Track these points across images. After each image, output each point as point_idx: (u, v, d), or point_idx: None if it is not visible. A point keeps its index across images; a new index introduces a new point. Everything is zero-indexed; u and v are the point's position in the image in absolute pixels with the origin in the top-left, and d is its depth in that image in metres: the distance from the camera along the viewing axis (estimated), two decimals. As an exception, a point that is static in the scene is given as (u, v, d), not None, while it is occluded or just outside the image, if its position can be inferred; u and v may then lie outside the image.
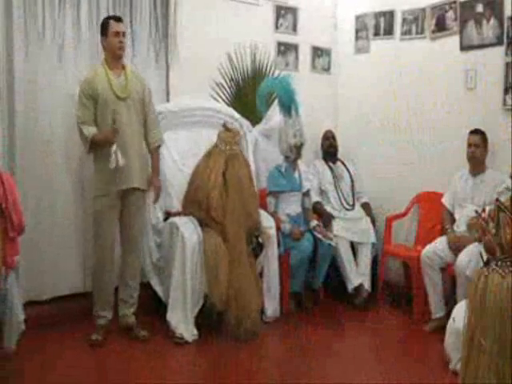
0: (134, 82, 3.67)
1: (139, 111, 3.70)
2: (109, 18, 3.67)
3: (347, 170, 5.04)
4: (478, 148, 4.01)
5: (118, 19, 3.63)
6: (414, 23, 4.73)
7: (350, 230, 4.62)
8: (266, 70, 4.99)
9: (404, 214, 4.75)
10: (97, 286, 3.68)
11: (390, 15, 4.97)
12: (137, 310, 3.86)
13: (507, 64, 4.01)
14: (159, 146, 3.90)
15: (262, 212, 4.25)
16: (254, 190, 4.13)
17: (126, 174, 3.57)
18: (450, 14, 4.41)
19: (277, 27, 5.13)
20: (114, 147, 3.44)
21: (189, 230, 3.80)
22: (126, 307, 3.77)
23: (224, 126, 4.12)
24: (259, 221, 4.07)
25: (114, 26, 3.56)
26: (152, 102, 3.83)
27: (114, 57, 3.60)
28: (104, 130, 3.51)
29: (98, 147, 3.54)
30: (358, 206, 4.93)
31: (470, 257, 3.53)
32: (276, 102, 4.63)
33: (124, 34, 3.63)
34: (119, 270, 3.78)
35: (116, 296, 3.77)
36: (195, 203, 3.93)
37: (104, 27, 3.59)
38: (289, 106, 4.45)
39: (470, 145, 4.03)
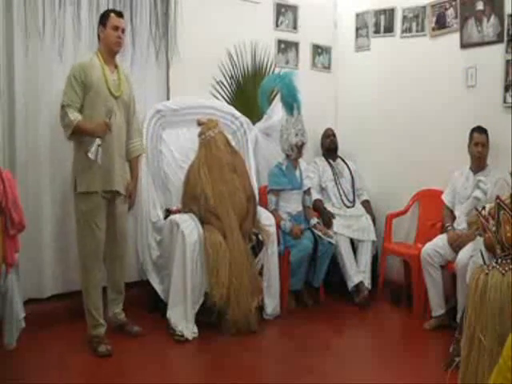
0: (126, 84, 3.62)
1: (126, 114, 3.62)
2: (111, 10, 3.61)
3: (347, 167, 5.05)
4: (484, 147, 4.02)
5: (120, 14, 3.57)
6: (415, 21, 4.73)
7: (350, 228, 4.63)
8: (266, 67, 4.99)
9: (404, 212, 4.75)
10: (93, 293, 3.50)
11: (390, 13, 4.97)
12: (136, 308, 3.86)
13: (507, 62, 4.01)
14: (139, 156, 3.82)
15: (262, 210, 4.26)
16: (240, 167, 4.12)
17: (109, 175, 3.48)
18: (450, 12, 4.41)
19: (277, 25, 5.12)
20: (98, 140, 3.32)
21: (189, 227, 3.80)
22: (115, 305, 3.76)
23: (197, 122, 4.13)
24: (255, 215, 4.07)
25: (114, 20, 3.49)
26: (136, 109, 3.75)
27: (109, 51, 3.53)
28: (95, 121, 3.38)
29: (80, 137, 3.39)
30: (358, 204, 4.93)
31: (470, 254, 3.52)
32: (277, 99, 4.64)
33: (123, 30, 3.57)
34: (106, 271, 3.73)
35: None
36: (194, 200, 3.94)
37: (104, 18, 3.52)
38: (291, 104, 4.45)
39: (476, 144, 4.02)
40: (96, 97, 3.42)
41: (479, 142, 4.02)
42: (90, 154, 3.31)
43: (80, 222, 3.53)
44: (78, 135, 3.40)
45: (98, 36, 3.57)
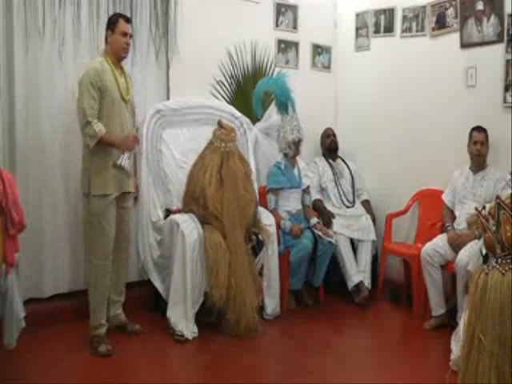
0: (131, 86, 3.68)
1: (132, 116, 3.70)
2: (120, 15, 3.62)
3: (347, 167, 5.05)
4: (483, 145, 4.03)
5: (128, 20, 3.60)
6: (415, 21, 4.73)
7: (350, 228, 4.63)
8: (266, 67, 4.99)
9: (404, 212, 4.75)
10: (100, 293, 3.54)
11: (390, 13, 4.97)
12: (137, 307, 3.89)
13: (507, 61, 4.01)
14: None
15: (262, 209, 4.26)
16: (250, 187, 4.12)
17: (123, 178, 3.56)
18: (450, 12, 4.41)
19: (277, 25, 5.12)
20: (128, 153, 3.47)
21: (189, 227, 3.81)
22: (117, 307, 3.78)
23: (219, 123, 4.12)
24: (256, 218, 4.07)
25: (122, 26, 3.51)
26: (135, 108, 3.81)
27: (116, 56, 3.56)
28: (122, 136, 3.45)
29: (103, 146, 3.43)
30: (358, 204, 4.93)
31: (471, 254, 3.52)
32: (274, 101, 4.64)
33: (131, 36, 3.61)
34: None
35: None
36: (194, 200, 3.94)
37: (113, 23, 3.53)
38: (285, 104, 4.47)
39: (475, 142, 4.04)
40: (111, 103, 3.46)
41: (478, 140, 4.02)
42: (121, 163, 3.43)
43: (91, 223, 3.52)
44: (102, 145, 3.42)
45: (106, 39, 3.58)
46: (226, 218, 3.87)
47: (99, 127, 3.36)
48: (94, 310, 3.53)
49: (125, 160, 3.45)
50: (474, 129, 4.07)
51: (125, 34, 3.53)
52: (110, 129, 3.43)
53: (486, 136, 4.03)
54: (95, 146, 3.40)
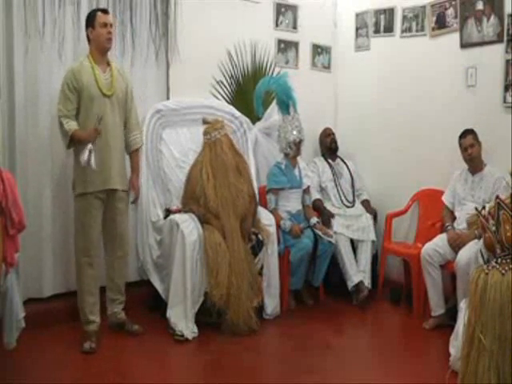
0: (119, 79, 3.63)
1: (122, 110, 3.65)
2: (96, 9, 3.63)
3: (347, 167, 5.05)
4: (474, 147, 4.01)
5: (105, 11, 3.59)
6: (414, 21, 4.73)
7: (350, 228, 4.63)
8: (266, 67, 4.99)
9: (404, 212, 4.74)
10: (84, 289, 3.59)
11: (390, 13, 4.96)
12: (136, 307, 3.89)
13: (507, 61, 4.00)
14: (139, 148, 3.85)
15: (262, 209, 4.27)
16: (245, 175, 4.11)
17: (106, 174, 3.53)
18: (450, 12, 4.41)
19: (277, 25, 5.12)
20: (90, 146, 3.36)
21: (189, 227, 3.81)
22: (115, 305, 3.78)
23: (203, 120, 4.13)
24: (256, 217, 4.08)
25: (101, 18, 3.50)
26: (134, 102, 3.77)
27: (101, 50, 3.54)
28: (87, 128, 3.44)
29: (77, 144, 3.46)
30: (358, 204, 4.93)
31: (470, 254, 3.52)
32: (275, 100, 4.64)
33: (111, 25, 3.57)
34: (105, 270, 3.76)
35: (103, 296, 3.76)
36: (194, 200, 3.95)
37: (91, 19, 3.53)
38: (287, 104, 4.47)
39: (465, 148, 4.02)
40: (89, 99, 3.48)
41: (467, 145, 4.01)
42: (82, 162, 3.37)
43: (75, 222, 3.63)
44: (77, 143, 3.47)
45: (88, 38, 3.58)
46: (219, 205, 3.87)
47: (69, 125, 3.42)
48: (81, 306, 3.60)
49: (85, 156, 3.36)
50: (460, 137, 4.05)
51: (105, 25, 3.51)
52: (88, 125, 3.45)
53: (475, 137, 4.01)
54: (72, 145, 3.48)
